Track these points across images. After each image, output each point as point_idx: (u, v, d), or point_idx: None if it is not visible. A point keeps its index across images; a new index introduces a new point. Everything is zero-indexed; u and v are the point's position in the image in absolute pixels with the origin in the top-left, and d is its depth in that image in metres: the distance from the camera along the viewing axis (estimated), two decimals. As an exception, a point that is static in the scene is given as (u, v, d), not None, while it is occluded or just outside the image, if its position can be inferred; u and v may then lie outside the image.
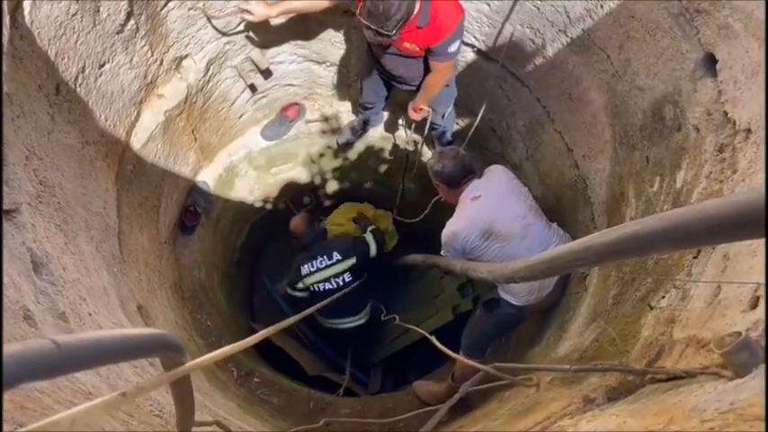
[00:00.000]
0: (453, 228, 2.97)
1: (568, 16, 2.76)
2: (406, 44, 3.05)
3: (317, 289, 4.45)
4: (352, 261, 4.45)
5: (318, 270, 4.39)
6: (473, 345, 3.34)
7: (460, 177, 3.03)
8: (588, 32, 2.72)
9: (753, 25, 1.81)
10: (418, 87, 3.47)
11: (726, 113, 1.95)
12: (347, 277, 4.45)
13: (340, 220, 5.21)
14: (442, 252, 3.14)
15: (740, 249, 1.62)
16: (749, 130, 1.80)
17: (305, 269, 4.43)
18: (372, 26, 2.71)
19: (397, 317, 4.30)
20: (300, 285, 4.47)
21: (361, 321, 4.76)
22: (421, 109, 3.52)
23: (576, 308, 2.89)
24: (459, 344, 3.37)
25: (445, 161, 3.03)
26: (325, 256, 4.40)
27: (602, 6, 2.55)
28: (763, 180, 1.64)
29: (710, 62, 2.06)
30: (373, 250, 4.56)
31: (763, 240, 1.45)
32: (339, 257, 4.41)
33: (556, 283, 3.10)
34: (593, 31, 2.69)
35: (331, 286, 4.43)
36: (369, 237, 4.62)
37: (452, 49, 3.04)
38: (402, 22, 2.72)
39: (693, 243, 1.02)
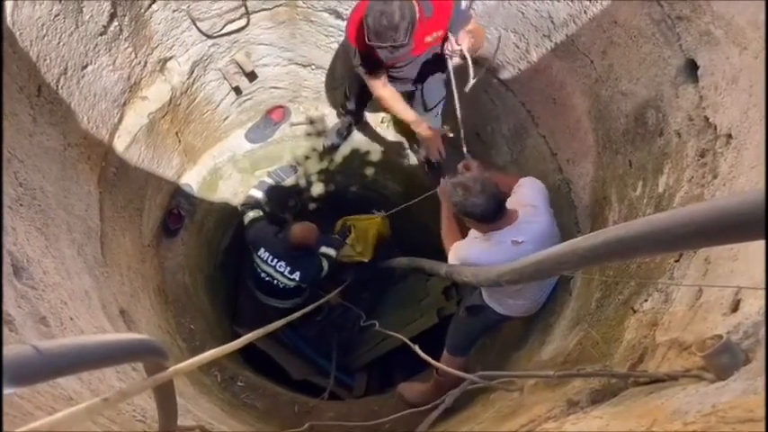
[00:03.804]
0: (483, 261, 2.63)
1: (552, 21, 2.78)
2: (428, 38, 3.00)
3: (258, 271, 4.43)
4: (303, 285, 4.42)
5: (274, 268, 4.34)
6: (457, 344, 3.36)
7: (494, 214, 2.64)
8: (572, 38, 2.74)
9: (733, 32, 1.83)
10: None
11: (707, 119, 1.98)
12: (288, 288, 4.42)
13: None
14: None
15: (721, 253, 1.64)
16: (730, 136, 1.83)
17: (263, 253, 4.35)
18: (385, 44, 2.69)
19: (377, 323, 4.28)
20: (252, 251, 4.46)
21: (287, 306, 4.59)
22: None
23: (561, 311, 2.91)
24: (445, 347, 3.39)
25: (474, 199, 2.59)
26: (288, 267, 4.33)
27: (585, 12, 2.57)
28: (743, 185, 1.67)
29: (692, 68, 2.09)
30: (323, 274, 4.51)
31: (742, 245, 1.48)
32: (296, 278, 4.34)
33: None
34: (576, 36, 2.71)
35: (270, 281, 4.41)
36: (324, 263, 4.50)
37: (464, 6, 2.99)
38: (410, 26, 2.67)
39: (677, 247, 1.03)
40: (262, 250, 4.35)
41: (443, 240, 3.10)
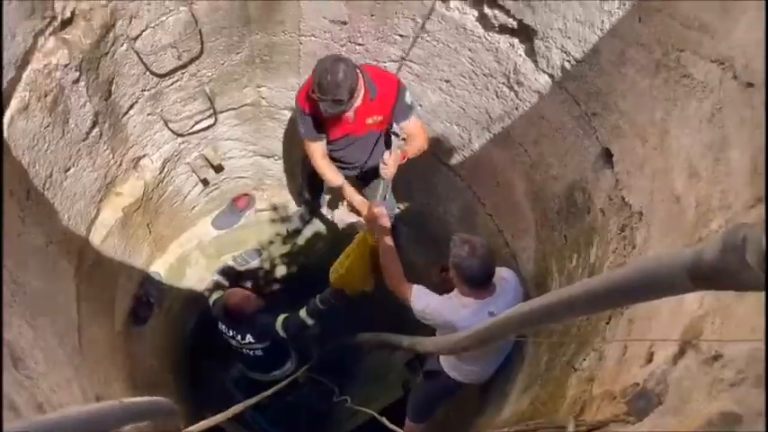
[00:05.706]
0: (455, 320, 2.80)
1: (490, 116, 3.14)
2: (369, 120, 3.24)
3: (230, 344, 4.42)
4: (265, 344, 4.33)
5: (234, 339, 4.31)
6: (416, 408, 3.56)
7: (479, 283, 2.79)
8: (508, 129, 3.09)
9: (636, 127, 2.20)
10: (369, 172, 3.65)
11: (623, 198, 2.31)
12: (259, 356, 4.39)
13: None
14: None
15: (641, 314, 1.92)
16: (641, 213, 2.15)
17: (221, 326, 4.33)
18: (327, 98, 2.88)
19: (349, 398, 4.37)
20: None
21: (278, 375, 4.60)
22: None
23: (514, 378, 3.12)
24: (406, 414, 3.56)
25: (471, 261, 2.71)
26: (240, 335, 4.26)
27: (517, 108, 2.93)
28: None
29: (608, 156, 2.44)
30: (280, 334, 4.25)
31: (655, 308, 1.77)
32: (251, 340, 4.27)
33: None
34: (511, 128, 3.07)
35: (242, 351, 4.40)
36: (279, 323, 4.18)
37: (409, 100, 3.19)
38: (352, 88, 2.88)
39: (582, 310, 1.30)
40: (220, 323, 4.36)
41: (386, 274, 3.16)
